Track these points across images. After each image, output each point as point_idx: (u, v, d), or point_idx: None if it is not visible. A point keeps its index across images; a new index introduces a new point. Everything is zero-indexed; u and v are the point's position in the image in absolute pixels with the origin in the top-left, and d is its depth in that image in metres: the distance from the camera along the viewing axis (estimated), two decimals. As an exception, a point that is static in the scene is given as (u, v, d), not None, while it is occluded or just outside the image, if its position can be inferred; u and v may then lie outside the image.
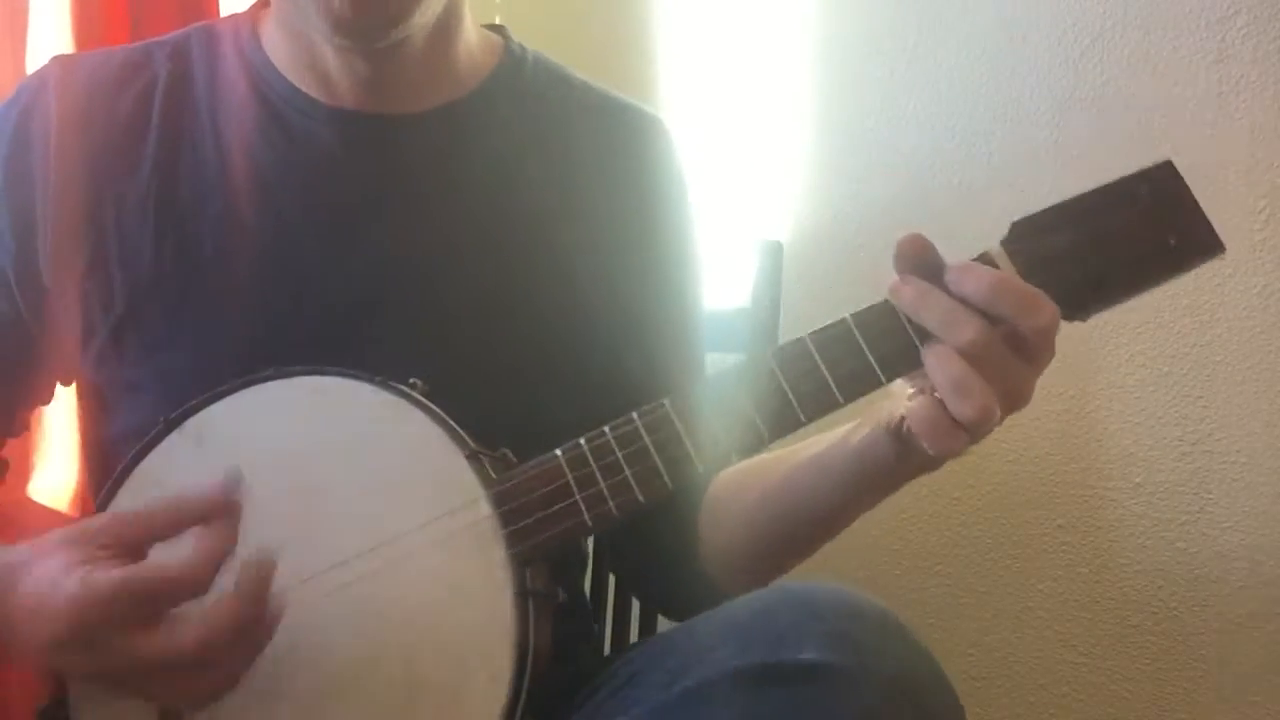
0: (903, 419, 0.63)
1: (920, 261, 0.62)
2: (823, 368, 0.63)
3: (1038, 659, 1.28)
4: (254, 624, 0.60)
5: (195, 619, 0.59)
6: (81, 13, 1.01)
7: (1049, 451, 1.25)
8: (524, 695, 0.62)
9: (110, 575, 0.59)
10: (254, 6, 0.85)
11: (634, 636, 1.02)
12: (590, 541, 0.96)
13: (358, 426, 0.68)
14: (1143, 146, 1.18)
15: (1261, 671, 1.19)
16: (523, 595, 0.63)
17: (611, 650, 1.01)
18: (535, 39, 0.89)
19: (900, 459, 0.67)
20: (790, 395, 0.63)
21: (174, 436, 0.71)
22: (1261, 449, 1.17)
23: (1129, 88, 1.19)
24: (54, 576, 0.60)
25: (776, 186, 1.35)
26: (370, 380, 0.68)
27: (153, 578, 0.59)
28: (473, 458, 0.65)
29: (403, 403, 0.67)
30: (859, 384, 0.63)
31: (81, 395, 0.83)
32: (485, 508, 0.65)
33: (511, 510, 0.64)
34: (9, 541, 0.70)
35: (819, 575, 0.82)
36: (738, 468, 0.80)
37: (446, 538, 0.65)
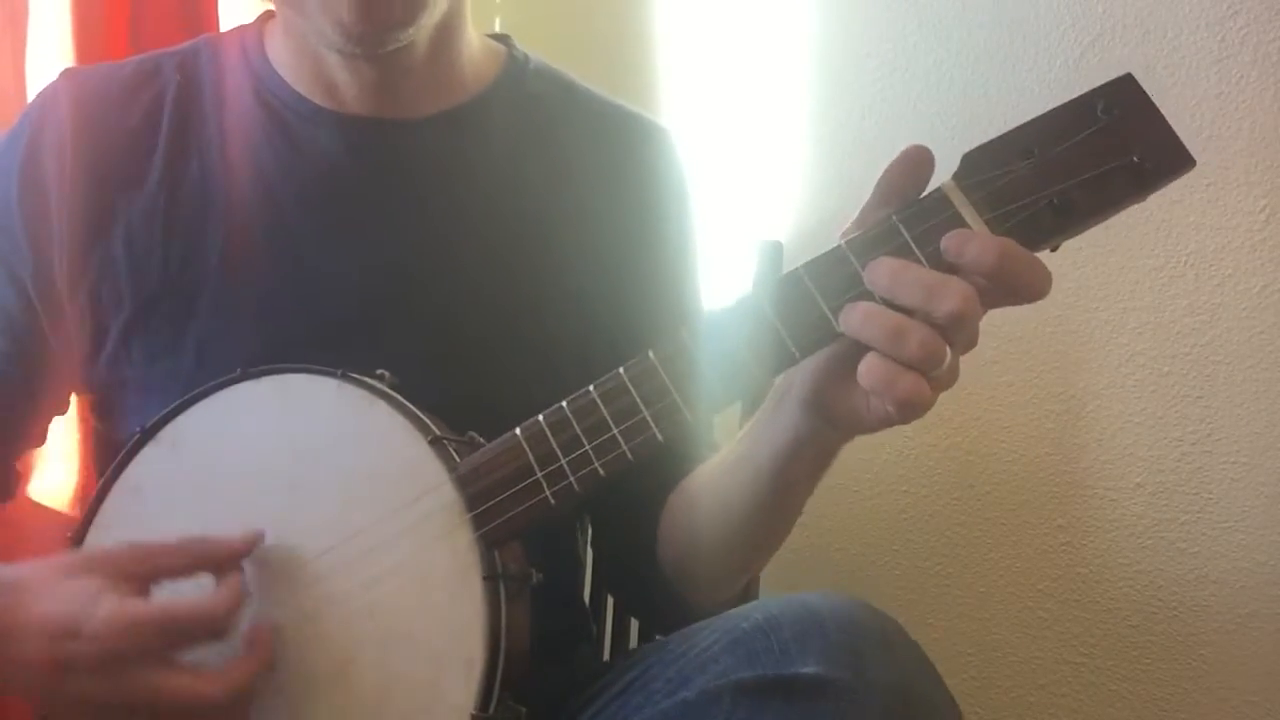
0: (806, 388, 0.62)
1: (914, 180, 0.60)
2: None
3: (1038, 659, 1.28)
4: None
5: (223, 670, 0.62)
6: (81, 16, 1.01)
7: (1049, 451, 1.25)
8: (499, 678, 0.61)
9: (149, 605, 0.61)
10: (260, 17, 0.86)
11: (633, 638, 1.02)
12: (588, 542, 0.96)
13: (324, 423, 0.69)
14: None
15: (1261, 671, 1.19)
16: (492, 578, 0.62)
17: (611, 652, 1.01)
18: (533, 41, 0.89)
19: (817, 430, 0.65)
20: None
21: (150, 446, 0.72)
22: (1261, 449, 1.17)
23: (1129, 88, 1.19)
24: (84, 600, 0.61)
25: (776, 186, 1.35)
26: (334, 375, 0.68)
27: (190, 614, 0.61)
28: (435, 443, 0.65)
29: (367, 395, 0.68)
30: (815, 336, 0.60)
31: (90, 397, 0.83)
32: (449, 492, 0.64)
33: (476, 492, 0.64)
34: (8, 542, 0.71)
35: (818, 576, 0.82)
36: (681, 487, 0.80)
37: (413, 526, 0.65)
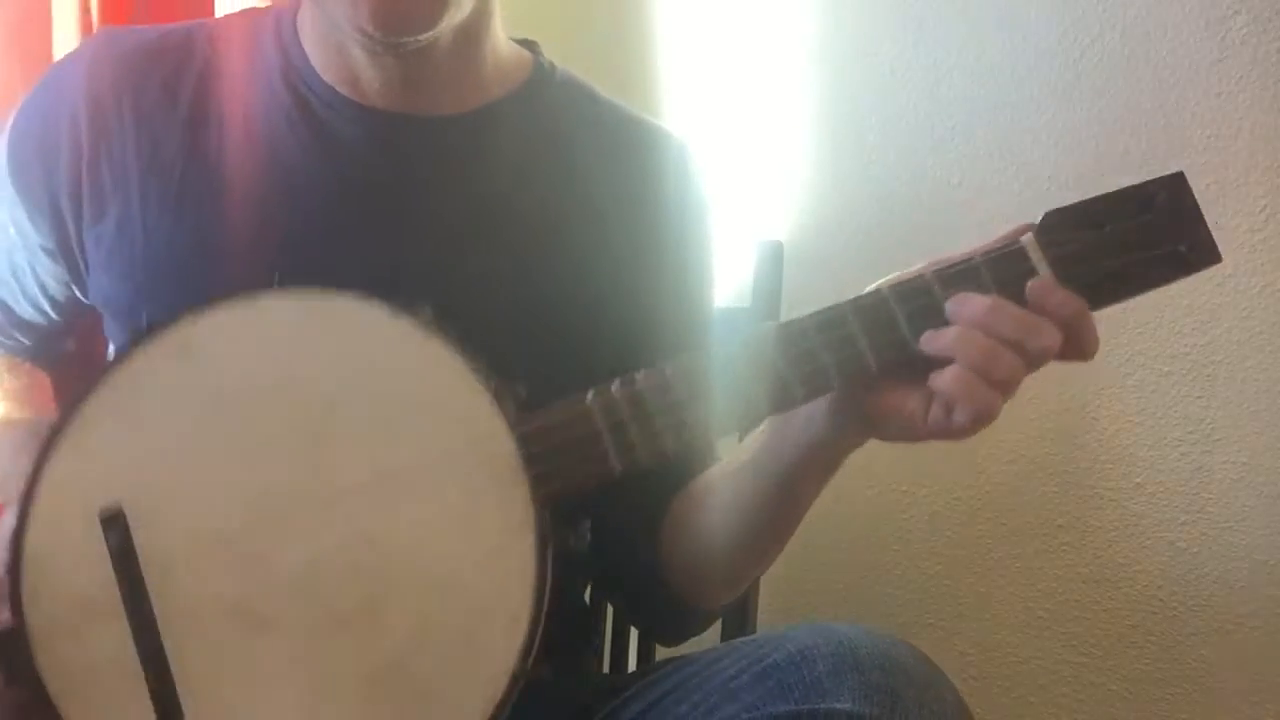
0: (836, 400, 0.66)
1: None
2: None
3: (1038, 659, 1.28)
4: None
5: None
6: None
7: (1049, 451, 1.25)
8: (539, 637, 0.61)
9: None
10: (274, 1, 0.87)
11: (633, 647, 1.02)
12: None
13: (369, 351, 0.65)
14: (1143, 147, 1.18)
15: (1261, 671, 1.19)
16: (543, 539, 0.62)
17: (610, 662, 1.01)
18: (535, 36, 0.89)
19: (843, 432, 0.68)
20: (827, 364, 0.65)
21: (156, 347, 0.65)
22: (1261, 449, 1.17)
23: (1129, 88, 1.19)
24: None
25: (776, 186, 1.35)
26: (385, 303, 0.65)
27: None
28: (496, 394, 0.63)
29: (422, 329, 0.64)
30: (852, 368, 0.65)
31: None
32: (509, 446, 0.63)
33: (536, 452, 0.63)
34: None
35: (818, 576, 0.83)
36: (687, 492, 0.81)
37: (464, 474, 0.63)
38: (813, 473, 0.71)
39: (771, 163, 1.35)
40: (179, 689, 0.61)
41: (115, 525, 0.62)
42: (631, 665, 1.02)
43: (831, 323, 0.65)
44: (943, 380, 0.62)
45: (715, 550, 0.78)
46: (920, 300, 0.65)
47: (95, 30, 0.84)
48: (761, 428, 0.73)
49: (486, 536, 0.62)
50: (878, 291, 0.65)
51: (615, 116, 0.88)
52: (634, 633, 1.02)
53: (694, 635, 0.87)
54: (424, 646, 0.61)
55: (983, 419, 0.63)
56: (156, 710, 0.61)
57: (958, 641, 1.31)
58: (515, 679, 0.60)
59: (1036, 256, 0.65)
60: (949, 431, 0.64)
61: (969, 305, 0.64)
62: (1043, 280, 0.64)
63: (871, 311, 0.65)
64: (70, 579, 0.62)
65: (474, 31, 0.80)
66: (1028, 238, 0.66)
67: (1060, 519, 1.26)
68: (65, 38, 0.99)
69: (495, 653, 0.60)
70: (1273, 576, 1.18)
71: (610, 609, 1.02)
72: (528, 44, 0.89)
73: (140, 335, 0.65)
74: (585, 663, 0.91)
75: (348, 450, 0.63)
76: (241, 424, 0.64)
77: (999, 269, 0.65)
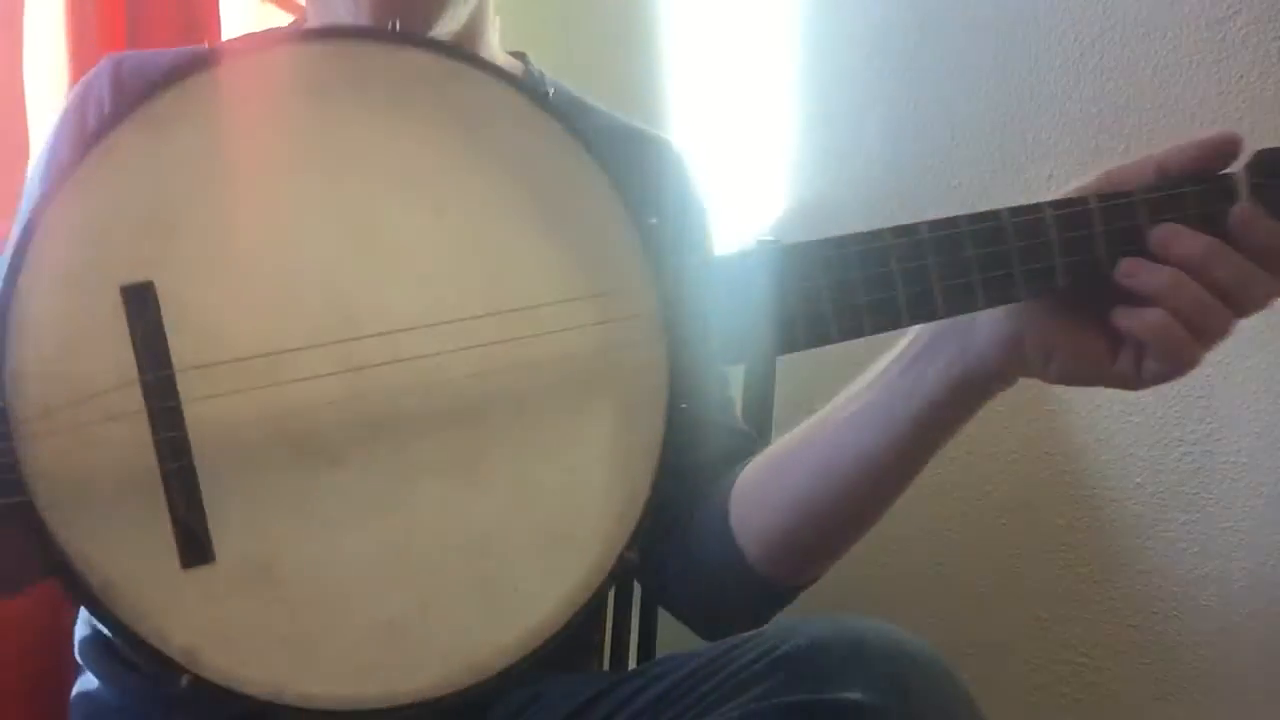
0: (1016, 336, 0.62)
1: (1209, 165, 0.60)
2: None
3: (1037, 660, 1.28)
4: None
5: None
6: (76, 22, 1.01)
7: (1049, 451, 1.25)
8: (649, 519, 0.55)
9: None
10: (294, 22, 0.90)
11: (633, 649, 1.02)
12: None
13: (498, 141, 0.52)
14: (1143, 147, 1.18)
15: (1262, 672, 1.19)
16: (670, 417, 0.55)
17: (611, 663, 1.01)
18: (524, 40, 0.90)
19: (1006, 368, 0.64)
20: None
21: (194, 82, 0.50)
22: (1261, 449, 1.17)
23: (1128, 88, 1.19)
24: None
25: (774, 187, 1.35)
26: (521, 88, 0.52)
27: None
28: (648, 238, 0.54)
29: (566, 133, 0.52)
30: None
31: None
32: (653, 302, 0.54)
33: (675, 315, 0.55)
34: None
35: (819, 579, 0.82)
36: (769, 452, 0.78)
37: (602, 324, 0.53)
38: (950, 415, 0.67)
39: (769, 163, 1.35)
40: (207, 515, 0.49)
41: (142, 301, 0.49)
42: (632, 664, 1.02)
43: (1030, 231, 0.59)
44: (1145, 325, 0.58)
45: (831, 508, 0.75)
46: (1123, 223, 0.59)
47: (106, 57, 0.86)
48: (877, 375, 0.70)
49: (615, 398, 0.54)
50: (1083, 200, 0.60)
51: (609, 123, 0.89)
52: (634, 632, 1.02)
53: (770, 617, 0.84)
54: (522, 514, 0.53)
55: (1178, 375, 0.59)
56: (177, 534, 0.49)
57: (957, 642, 1.31)
58: (621, 562, 0.54)
59: (1245, 194, 0.60)
60: (1132, 380, 0.60)
61: (1183, 243, 0.59)
62: (1249, 207, 0.58)
63: (1072, 221, 0.59)
64: (74, 361, 0.49)
65: (471, 38, 0.82)
66: (1239, 174, 0.60)
67: (1060, 519, 1.26)
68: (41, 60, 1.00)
69: (608, 527, 0.54)
70: (1273, 576, 1.18)
71: (611, 608, 1.02)
72: (517, 55, 0.90)
73: (180, 68, 0.50)
74: (585, 662, 0.91)
75: (459, 265, 0.51)
76: (314, 204, 0.50)
77: (1206, 201, 0.60)
